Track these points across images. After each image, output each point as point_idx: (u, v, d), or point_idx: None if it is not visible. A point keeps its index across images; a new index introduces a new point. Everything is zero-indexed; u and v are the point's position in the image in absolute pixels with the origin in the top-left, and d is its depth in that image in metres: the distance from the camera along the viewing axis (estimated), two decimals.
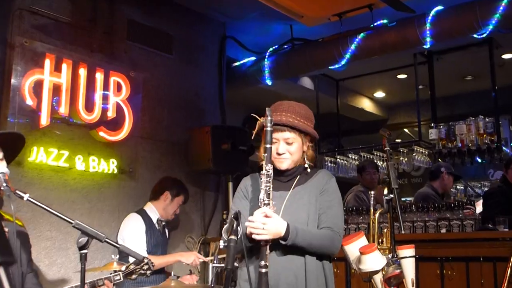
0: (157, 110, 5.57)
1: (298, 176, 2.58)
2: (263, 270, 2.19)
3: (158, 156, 5.51)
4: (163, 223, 4.57)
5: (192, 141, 5.59)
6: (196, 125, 5.77)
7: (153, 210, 4.53)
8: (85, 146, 4.79)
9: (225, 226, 2.24)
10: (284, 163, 2.55)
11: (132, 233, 4.30)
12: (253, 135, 2.60)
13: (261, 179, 2.39)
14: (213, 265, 1.99)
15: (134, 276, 2.62)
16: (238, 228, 1.97)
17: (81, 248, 2.16)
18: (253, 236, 2.30)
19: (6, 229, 2.41)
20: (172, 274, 3.68)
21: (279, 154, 2.51)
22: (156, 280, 4.23)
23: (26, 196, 2.17)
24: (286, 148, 2.55)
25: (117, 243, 2.26)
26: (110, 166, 4.94)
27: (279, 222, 2.36)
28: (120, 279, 2.55)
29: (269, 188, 2.37)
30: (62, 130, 4.63)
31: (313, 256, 2.49)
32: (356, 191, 6.21)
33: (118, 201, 5.04)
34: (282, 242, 2.38)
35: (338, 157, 8.05)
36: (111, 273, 3.31)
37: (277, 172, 2.58)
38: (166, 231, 4.69)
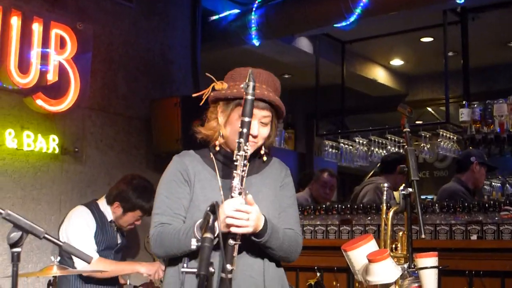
0: (111, 74, 5.55)
1: (249, 163, 2.60)
2: (229, 276, 2.23)
3: (112, 134, 5.50)
4: (117, 227, 4.58)
5: (156, 116, 5.59)
6: (162, 95, 5.76)
7: (107, 208, 4.52)
8: (17, 117, 4.77)
9: (197, 222, 2.26)
10: (252, 148, 2.58)
11: (79, 231, 4.29)
12: (203, 100, 2.63)
13: (217, 159, 2.51)
14: (183, 270, 2.00)
15: None
16: (216, 223, 1.99)
17: (13, 245, 2.15)
18: (233, 230, 2.35)
19: None
20: (128, 283, 3.71)
21: (253, 136, 2.53)
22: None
23: None
24: (259, 130, 2.58)
25: (59, 240, 2.26)
26: (49, 144, 4.92)
27: (259, 214, 2.44)
28: None
29: (245, 173, 2.43)
30: None
31: (272, 262, 2.61)
32: (378, 183, 6.21)
33: (59, 189, 5.03)
34: (255, 239, 2.45)
35: (342, 141, 8.09)
36: None
37: (225, 156, 2.64)
38: (123, 234, 4.70)
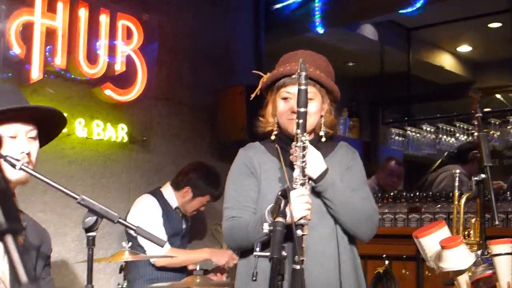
0: (176, 64, 5.61)
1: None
2: (298, 267, 2.24)
3: (178, 123, 5.57)
4: (182, 213, 4.66)
5: (221, 105, 5.62)
6: (226, 84, 5.78)
7: (172, 196, 4.62)
8: (86, 107, 4.87)
9: (269, 207, 2.27)
10: (294, 125, 2.57)
11: (146, 218, 4.39)
12: (254, 93, 2.68)
13: (277, 150, 2.54)
14: (256, 254, 2.00)
15: None
16: (287, 208, 1.99)
17: (88, 230, 2.20)
18: (303, 222, 2.35)
19: (24, 223, 2.50)
20: (198, 268, 3.76)
21: (295, 113, 2.53)
22: (176, 276, 4.33)
23: (19, 164, 2.22)
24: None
25: (137, 226, 2.30)
26: (118, 133, 5.01)
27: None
28: None
29: (305, 164, 2.44)
30: (58, 86, 4.71)
31: (346, 249, 2.62)
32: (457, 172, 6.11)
33: (128, 177, 5.13)
34: (314, 185, 2.54)
35: (409, 128, 7.99)
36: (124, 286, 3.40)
37: (285, 143, 2.63)
38: (188, 220, 4.77)
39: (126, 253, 3.47)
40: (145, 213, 4.43)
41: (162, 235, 4.37)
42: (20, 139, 2.40)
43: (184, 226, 4.71)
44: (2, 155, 2.23)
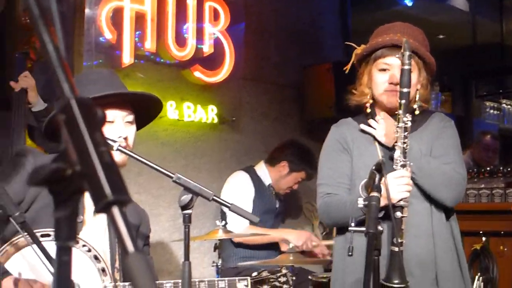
0: (263, 44, 5.61)
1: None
2: (397, 249, 2.22)
3: (266, 102, 5.59)
4: (275, 192, 4.69)
5: (308, 83, 5.60)
6: (313, 62, 5.74)
7: (266, 174, 4.67)
8: (177, 89, 4.96)
9: (362, 182, 2.25)
10: (395, 97, 2.53)
11: (236, 194, 4.45)
12: (347, 68, 2.65)
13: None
14: (351, 228, 1.99)
15: (266, 287, 2.69)
16: (381, 183, 1.96)
17: (184, 207, 2.25)
18: (402, 204, 2.35)
19: None
20: (290, 246, 3.78)
21: (393, 84, 2.48)
22: (270, 253, 4.37)
23: (116, 145, 2.29)
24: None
25: (231, 204, 2.33)
26: (208, 114, 5.08)
27: None
28: (247, 285, 2.63)
29: (407, 146, 2.42)
30: (149, 70, 4.82)
31: (441, 224, 2.58)
32: None
33: (219, 158, 5.20)
34: None
35: (504, 101, 7.72)
36: (218, 264, 3.46)
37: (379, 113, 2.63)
38: (282, 199, 4.80)
39: (220, 232, 3.51)
40: (237, 189, 4.51)
41: (249, 211, 4.41)
42: (118, 123, 2.47)
43: (277, 205, 4.75)
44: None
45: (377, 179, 1.98)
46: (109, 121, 2.46)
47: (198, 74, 5.01)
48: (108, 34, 4.56)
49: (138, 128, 2.69)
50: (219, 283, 2.51)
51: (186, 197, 2.24)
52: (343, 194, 2.55)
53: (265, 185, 4.64)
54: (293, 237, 4.41)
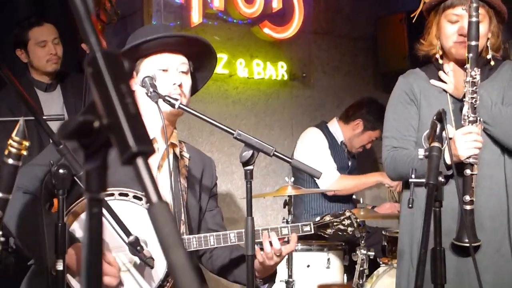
0: None
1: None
2: (468, 207, 2.18)
3: (338, 56, 5.51)
4: (347, 149, 4.66)
5: (381, 34, 5.49)
6: (386, 12, 5.60)
7: (338, 131, 4.64)
8: (246, 47, 4.95)
9: (425, 132, 2.20)
10: (464, 49, 2.46)
11: (313, 150, 4.45)
12: (414, 17, 2.58)
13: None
14: (411, 180, 1.96)
15: (329, 231, 2.68)
16: (443, 132, 1.91)
17: (245, 163, 2.26)
18: (472, 161, 2.32)
19: (186, 155, 2.63)
20: (361, 202, 3.76)
21: (463, 36, 2.40)
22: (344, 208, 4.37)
23: (177, 103, 2.32)
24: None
25: (292, 159, 2.33)
26: (278, 71, 5.06)
27: None
28: (310, 230, 2.64)
29: (475, 101, 2.37)
30: (218, 29, 4.82)
31: None
32: None
33: (290, 115, 5.19)
34: None
35: None
36: (289, 221, 3.48)
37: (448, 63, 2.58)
38: (354, 156, 4.77)
39: (289, 188, 3.54)
40: (312, 145, 4.51)
41: (331, 164, 4.43)
42: (172, 71, 2.49)
43: (350, 163, 4.72)
44: (161, 95, 2.34)
45: (438, 129, 1.93)
46: (163, 69, 2.47)
47: (267, 30, 4.98)
48: None
49: (197, 88, 2.70)
50: (283, 230, 2.54)
51: (247, 153, 2.25)
52: (409, 148, 2.51)
53: (338, 142, 4.62)
54: (387, 178, 4.40)
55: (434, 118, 1.97)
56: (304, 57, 5.28)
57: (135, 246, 2.16)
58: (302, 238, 4.24)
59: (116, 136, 0.79)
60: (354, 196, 4.64)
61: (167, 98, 2.32)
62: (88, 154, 0.85)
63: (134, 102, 0.82)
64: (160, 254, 2.36)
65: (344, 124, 4.65)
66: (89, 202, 0.84)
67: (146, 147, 0.79)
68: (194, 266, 2.07)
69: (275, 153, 2.25)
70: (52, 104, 3.95)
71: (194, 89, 2.66)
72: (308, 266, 3.84)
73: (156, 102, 2.30)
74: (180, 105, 2.33)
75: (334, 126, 4.66)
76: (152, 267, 2.24)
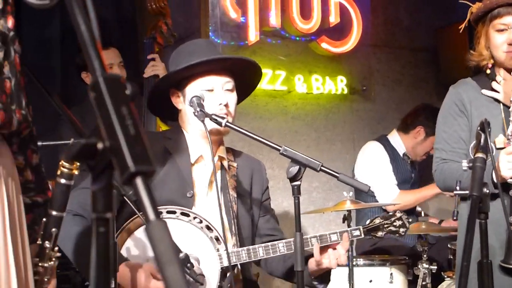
0: (392, 7, 5.47)
1: None
2: None
3: (398, 68, 5.45)
4: (410, 159, 4.59)
5: (442, 45, 5.41)
6: (446, 22, 5.51)
7: (399, 142, 4.58)
8: (304, 63, 4.96)
9: (472, 144, 2.15)
10: None
11: (373, 164, 4.41)
12: (462, 26, 2.53)
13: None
14: (456, 192, 1.92)
15: (380, 233, 2.64)
16: (489, 142, 1.87)
17: (292, 179, 2.27)
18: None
19: (234, 164, 2.65)
20: (423, 214, 3.69)
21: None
22: None
23: (224, 121, 2.34)
24: None
25: (339, 173, 2.31)
26: (337, 85, 5.05)
27: None
28: (360, 235, 2.61)
29: None
30: (275, 45, 4.85)
31: None
32: None
33: (351, 129, 5.15)
34: None
35: None
36: (348, 228, 3.44)
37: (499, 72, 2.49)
38: (416, 167, 4.69)
39: (348, 203, 3.50)
40: (372, 159, 4.46)
41: (391, 179, 4.37)
42: (217, 91, 2.51)
43: (413, 175, 4.65)
44: (208, 113, 2.38)
45: (482, 139, 1.89)
46: (209, 90, 2.49)
47: (325, 45, 4.98)
48: (233, 14, 4.64)
49: (241, 99, 2.72)
50: (331, 236, 2.52)
51: (294, 169, 2.25)
52: (459, 160, 2.46)
53: (400, 154, 4.55)
54: None
55: (478, 128, 1.93)
56: (363, 70, 5.25)
57: (184, 264, 2.19)
58: (364, 254, 4.22)
59: (116, 157, 0.82)
60: (418, 208, 4.56)
61: (214, 117, 2.35)
62: (94, 175, 0.87)
63: (134, 124, 0.84)
64: (211, 267, 2.41)
65: (404, 134, 4.58)
66: (96, 222, 0.87)
67: (145, 167, 0.81)
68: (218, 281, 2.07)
69: (322, 168, 2.24)
70: None
71: (238, 102, 2.67)
72: (371, 281, 3.79)
73: (203, 121, 2.34)
74: (227, 123, 2.35)
75: (395, 137, 4.60)
76: (201, 284, 2.26)
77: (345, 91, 5.08)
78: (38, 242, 1.66)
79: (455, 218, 1.89)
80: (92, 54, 0.88)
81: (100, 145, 0.84)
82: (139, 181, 0.80)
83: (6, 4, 1.54)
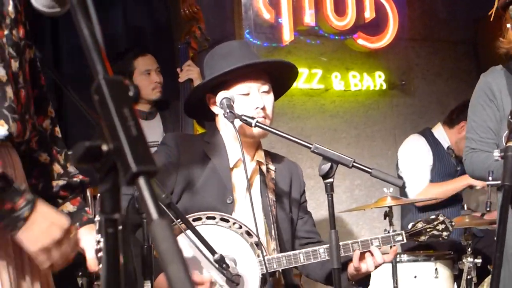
0: (428, 0, 5.40)
1: None
2: None
3: (437, 62, 5.38)
4: (455, 153, 4.52)
5: (481, 36, 5.32)
6: (484, 12, 5.41)
7: (443, 135, 4.52)
8: (341, 60, 4.93)
9: (505, 133, 2.10)
10: None
11: (409, 156, 4.37)
12: (492, 13, 2.46)
13: None
14: (488, 182, 1.88)
15: (423, 238, 2.60)
16: None
17: (324, 176, 2.24)
18: None
19: (272, 167, 2.65)
20: (465, 208, 3.63)
21: None
22: (451, 213, 4.23)
23: (253, 122, 2.34)
24: None
25: (372, 169, 2.28)
26: (376, 81, 5.01)
27: None
28: (402, 240, 2.57)
29: None
30: (310, 44, 4.83)
31: None
32: None
33: (391, 124, 5.10)
34: None
35: None
36: (390, 232, 3.40)
37: None
38: (461, 160, 4.62)
39: (388, 199, 3.47)
40: (410, 153, 4.42)
41: (426, 174, 4.32)
42: (253, 95, 2.48)
43: (458, 168, 4.57)
44: (237, 115, 2.37)
45: None
46: (244, 94, 2.48)
47: (362, 41, 4.94)
48: (266, 14, 4.64)
49: (277, 97, 2.70)
50: (373, 242, 2.48)
51: (325, 166, 2.23)
52: (489, 150, 2.40)
53: (444, 148, 4.49)
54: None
55: (509, 117, 1.88)
56: (402, 65, 5.19)
57: (220, 264, 2.20)
58: (409, 250, 4.17)
59: (119, 158, 0.82)
60: (464, 203, 4.48)
61: (243, 117, 2.35)
62: (101, 177, 0.88)
63: (136, 125, 0.84)
64: (252, 273, 2.41)
65: (449, 128, 4.52)
66: (104, 223, 0.88)
67: (147, 167, 0.81)
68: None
69: (354, 164, 2.21)
70: (152, 132, 4.08)
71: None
72: (415, 277, 3.74)
73: (232, 122, 2.33)
74: (257, 124, 2.35)
75: (439, 131, 4.55)
76: (237, 284, 2.26)
77: (384, 87, 5.03)
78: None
79: (488, 209, 1.85)
80: (95, 57, 0.88)
81: (104, 147, 0.85)
82: (141, 181, 0.81)
83: (17, 13, 1.58)
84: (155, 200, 0.80)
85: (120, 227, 0.90)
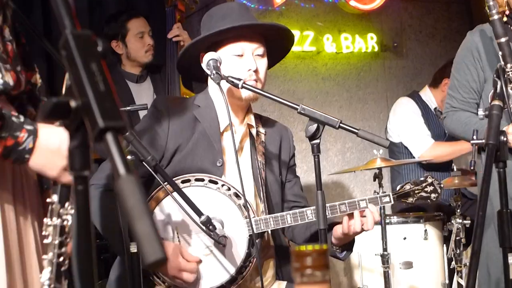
0: None
1: None
2: None
3: (431, 22, 5.35)
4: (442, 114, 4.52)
5: None
6: None
7: (430, 97, 4.53)
8: (333, 22, 4.90)
9: (490, 92, 2.10)
10: None
11: (405, 118, 4.36)
12: None
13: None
14: (473, 142, 1.87)
15: (411, 200, 2.60)
16: (504, 90, 1.81)
17: (311, 137, 2.23)
18: None
19: (262, 130, 2.64)
20: (455, 169, 3.64)
21: None
22: (442, 176, 4.24)
23: (240, 83, 2.32)
24: None
25: (358, 129, 2.27)
26: (368, 43, 4.98)
27: None
28: (390, 201, 2.57)
29: None
30: (302, 6, 4.79)
31: None
32: None
33: (383, 87, 5.09)
34: None
35: None
36: (377, 194, 3.40)
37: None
38: None
39: (378, 161, 3.47)
40: (404, 114, 4.42)
41: (424, 131, 4.34)
42: (247, 56, 2.45)
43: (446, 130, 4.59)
44: (224, 76, 2.35)
45: (498, 86, 1.83)
46: (238, 55, 2.45)
47: (354, 3, 4.89)
48: None
49: (273, 63, 2.68)
50: (360, 203, 2.49)
51: (312, 127, 2.21)
52: (470, 110, 2.41)
53: (431, 110, 4.49)
54: None
55: (494, 75, 1.87)
56: (395, 26, 5.16)
57: (206, 225, 2.20)
58: (399, 212, 4.19)
59: (87, 114, 0.82)
60: (454, 164, 4.50)
61: (230, 78, 2.33)
62: (71, 134, 0.88)
63: (104, 80, 0.84)
64: (239, 234, 2.41)
65: (434, 88, 4.53)
66: (74, 180, 0.87)
67: (114, 122, 0.81)
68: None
69: (340, 125, 2.20)
70: (143, 95, 4.06)
71: (268, 67, 2.63)
72: (405, 238, 3.77)
73: (218, 84, 2.31)
74: (244, 85, 2.33)
75: (427, 93, 4.55)
76: (224, 245, 2.27)
77: (376, 49, 5.01)
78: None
79: (471, 168, 1.85)
80: (63, 11, 0.87)
81: (73, 103, 0.85)
82: (109, 137, 0.80)
83: None
84: (122, 156, 0.80)
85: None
